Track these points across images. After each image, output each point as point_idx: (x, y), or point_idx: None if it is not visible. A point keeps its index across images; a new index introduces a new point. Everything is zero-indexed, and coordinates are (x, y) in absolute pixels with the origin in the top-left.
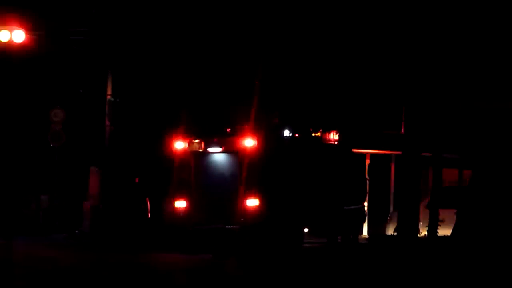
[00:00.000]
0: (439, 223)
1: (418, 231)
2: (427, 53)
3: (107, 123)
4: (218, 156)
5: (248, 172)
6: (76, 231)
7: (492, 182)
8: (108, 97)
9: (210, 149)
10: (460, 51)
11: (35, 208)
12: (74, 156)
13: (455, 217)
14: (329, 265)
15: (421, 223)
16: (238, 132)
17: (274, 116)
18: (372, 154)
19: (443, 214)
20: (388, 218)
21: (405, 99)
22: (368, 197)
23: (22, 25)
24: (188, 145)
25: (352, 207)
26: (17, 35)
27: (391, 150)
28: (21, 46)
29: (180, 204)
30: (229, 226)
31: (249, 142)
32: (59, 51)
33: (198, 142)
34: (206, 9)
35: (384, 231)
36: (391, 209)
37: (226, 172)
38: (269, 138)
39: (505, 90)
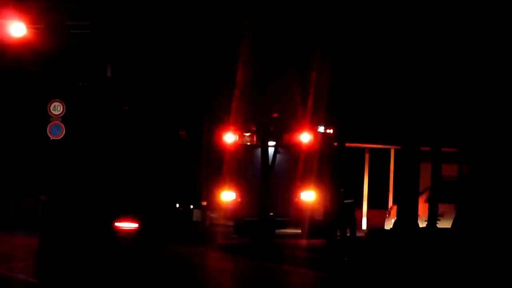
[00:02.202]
0: (439, 218)
1: (417, 225)
2: (427, 48)
3: None
4: (270, 150)
5: (303, 167)
6: None
7: (492, 176)
8: None
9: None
10: (459, 48)
11: (35, 201)
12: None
13: (454, 211)
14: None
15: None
16: (293, 127)
17: (274, 110)
18: (371, 149)
19: (442, 208)
20: (387, 212)
21: (404, 93)
22: (368, 191)
23: (22, 18)
24: (239, 138)
25: (348, 201)
26: (17, 29)
27: (390, 145)
28: (21, 39)
29: (230, 196)
30: (280, 218)
31: (305, 137)
32: (59, 44)
33: (250, 135)
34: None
35: (383, 225)
36: (390, 203)
37: (278, 166)
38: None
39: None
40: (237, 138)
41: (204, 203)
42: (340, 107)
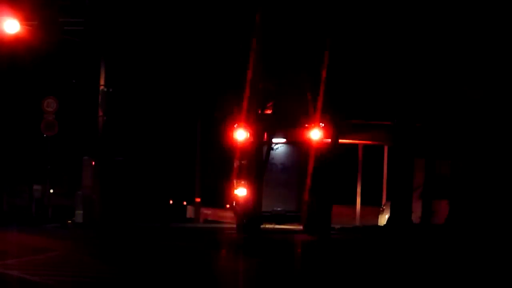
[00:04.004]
0: (432, 214)
1: (411, 222)
2: (421, 43)
3: (100, 113)
4: (281, 146)
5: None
6: (69, 221)
7: (485, 172)
8: (101, 87)
9: (273, 139)
10: (456, 45)
11: (28, 198)
12: (67, 146)
13: (447, 207)
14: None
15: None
16: (304, 123)
17: (267, 107)
18: (364, 145)
19: (435, 204)
20: (381, 209)
21: (397, 89)
22: (361, 188)
23: (15, 15)
24: (250, 135)
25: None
26: (11, 25)
27: (383, 141)
28: (14, 36)
29: (242, 192)
30: (290, 213)
31: (315, 134)
32: (53, 41)
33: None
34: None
35: (377, 222)
36: (384, 200)
37: (288, 162)
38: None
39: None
40: (248, 135)
41: (198, 200)
42: (333, 103)
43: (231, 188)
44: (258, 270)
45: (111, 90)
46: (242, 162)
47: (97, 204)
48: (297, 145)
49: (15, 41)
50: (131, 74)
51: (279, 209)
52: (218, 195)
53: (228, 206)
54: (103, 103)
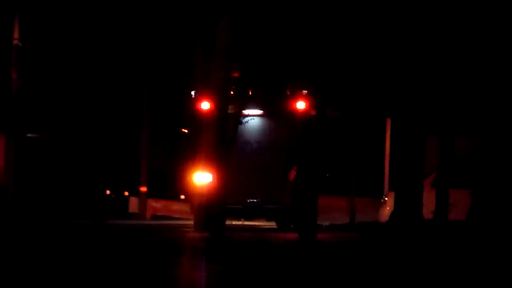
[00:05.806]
0: (449, 207)
1: (421, 217)
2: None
3: (14, 76)
4: (256, 120)
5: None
6: None
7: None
8: (15, 41)
9: (246, 112)
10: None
11: None
12: None
13: (469, 199)
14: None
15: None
16: (285, 92)
17: (233, 68)
18: (360, 119)
19: (454, 195)
20: (382, 201)
21: (404, 47)
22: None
23: None
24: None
25: None
26: None
27: (385, 113)
28: None
29: (205, 178)
30: (268, 206)
31: (300, 105)
32: None
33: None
34: None
35: (377, 217)
36: (386, 189)
37: (266, 140)
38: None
39: None
40: (210, 105)
41: (144, 189)
42: (321, 64)
43: (186, 174)
44: (221, 281)
45: (28, 45)
46: (201, 139)
47: (10, 193)
48: (278, 119)
49: None
50: (56, 25)
51: (254, 200)
52: (170, 184)
53: (183, 197)
54: (18, 63)
